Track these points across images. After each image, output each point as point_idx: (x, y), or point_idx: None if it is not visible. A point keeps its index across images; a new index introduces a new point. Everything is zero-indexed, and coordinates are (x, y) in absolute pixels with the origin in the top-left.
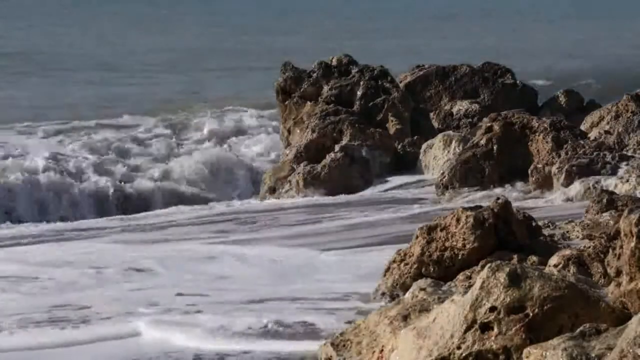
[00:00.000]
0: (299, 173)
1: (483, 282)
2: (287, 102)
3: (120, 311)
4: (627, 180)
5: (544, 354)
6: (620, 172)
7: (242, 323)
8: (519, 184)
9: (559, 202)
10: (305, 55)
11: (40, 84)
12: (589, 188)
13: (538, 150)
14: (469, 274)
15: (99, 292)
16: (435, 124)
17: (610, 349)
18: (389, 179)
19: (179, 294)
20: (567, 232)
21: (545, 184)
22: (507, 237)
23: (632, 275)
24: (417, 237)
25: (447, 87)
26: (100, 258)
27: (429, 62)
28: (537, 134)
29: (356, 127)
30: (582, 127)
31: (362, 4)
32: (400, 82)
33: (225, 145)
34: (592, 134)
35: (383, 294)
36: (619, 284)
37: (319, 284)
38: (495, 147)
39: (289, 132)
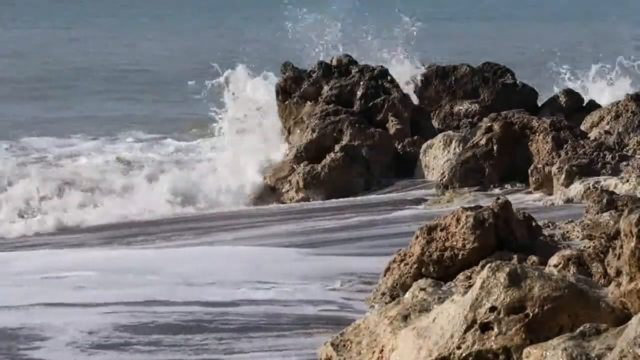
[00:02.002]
0: (299, 173)
1: (483, 282)
2: (287, 102)
3: None
4: (627, 180)
5: (544, 354)
6: (621, 172)
7: None
8: (519, 184)
9: (559, 202)
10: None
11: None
12: (589, 188)
13: (538, 150)
14: (469, 274)
15: None
16: (435, 124)
17: (610, 349)
18: (388, 179)
19: None
20: (567, 232)
21: (545, 184)
22: (507, 237)
23: (632, 275)
24: (417, 237)
25: (447, 87)
26: None
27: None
28: (537, 134)
29: (356, 127)
30: (582, 127)
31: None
32: None
33: None
34: (592, 134)
35: (383, 294)
36: (619, 284)
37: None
38: (495, 147)
39: (289, 132)
